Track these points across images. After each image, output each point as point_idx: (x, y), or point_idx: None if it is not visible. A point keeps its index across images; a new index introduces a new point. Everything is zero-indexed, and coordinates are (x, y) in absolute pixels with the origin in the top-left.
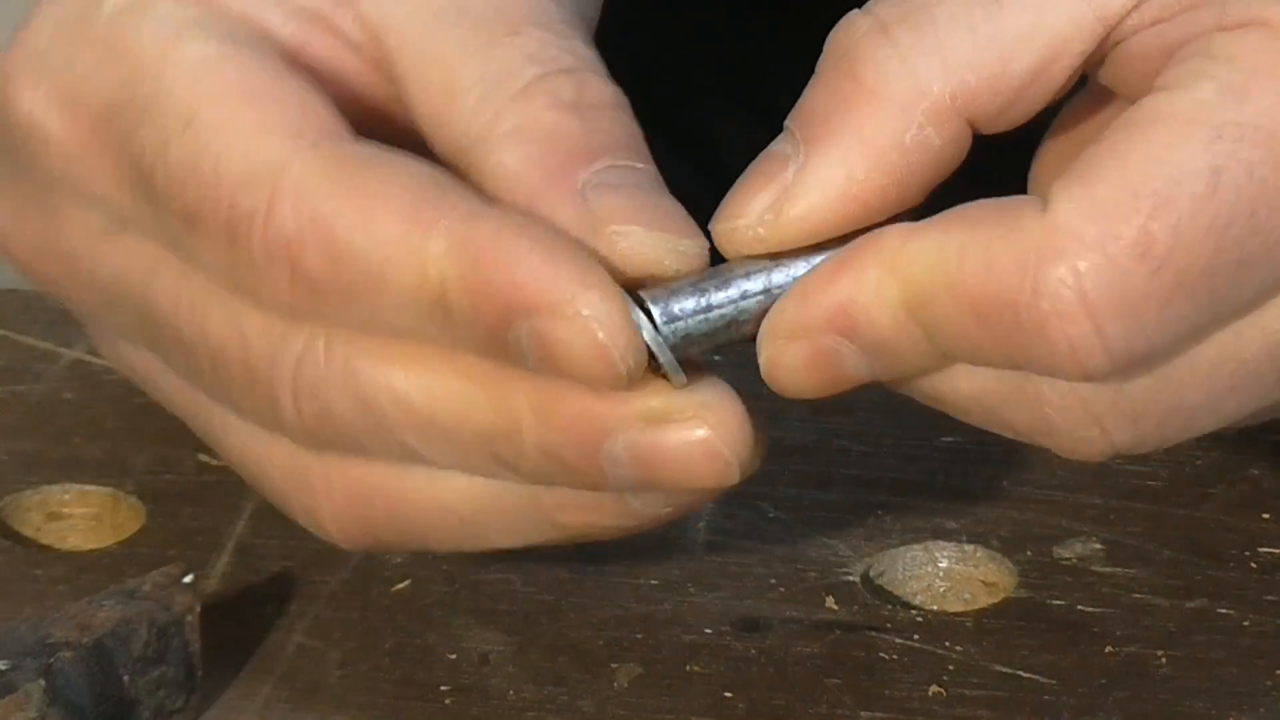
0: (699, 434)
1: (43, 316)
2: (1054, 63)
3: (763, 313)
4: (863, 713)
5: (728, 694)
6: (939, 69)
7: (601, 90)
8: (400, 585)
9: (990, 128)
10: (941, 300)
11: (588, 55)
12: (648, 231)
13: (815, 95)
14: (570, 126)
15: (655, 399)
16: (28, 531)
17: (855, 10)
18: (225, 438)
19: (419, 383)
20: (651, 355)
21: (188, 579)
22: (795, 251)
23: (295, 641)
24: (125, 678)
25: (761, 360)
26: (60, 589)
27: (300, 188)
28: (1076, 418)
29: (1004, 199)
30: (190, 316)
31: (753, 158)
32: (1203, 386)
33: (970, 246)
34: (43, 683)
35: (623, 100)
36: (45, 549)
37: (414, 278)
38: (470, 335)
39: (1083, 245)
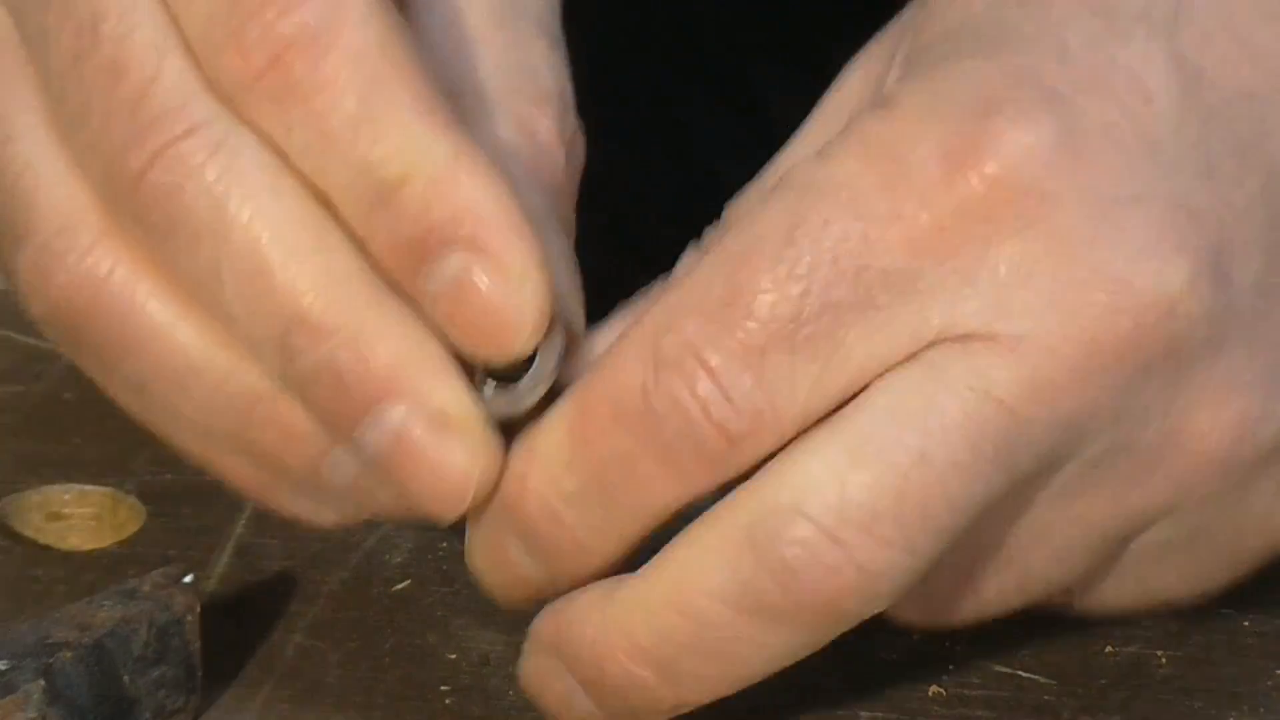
0: (460, 461)
1: None
2: None
3: None
4: (863, 713)
5: None
6: None
7: None
8: (400, 585)
9: None
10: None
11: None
12: None
13: None
14: None
15: (453, 403)
16: (28, 531)
17: None
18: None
19: None
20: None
21: (188, 579)
22: None
23: (295, 641)
24: (125, 678)
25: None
26: (60, 589)
27: None
28: None
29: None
30: None
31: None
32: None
33: (599, 371)
34: (43, 683)
35: None
36: (45, 549)
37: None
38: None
39: (685, 311)
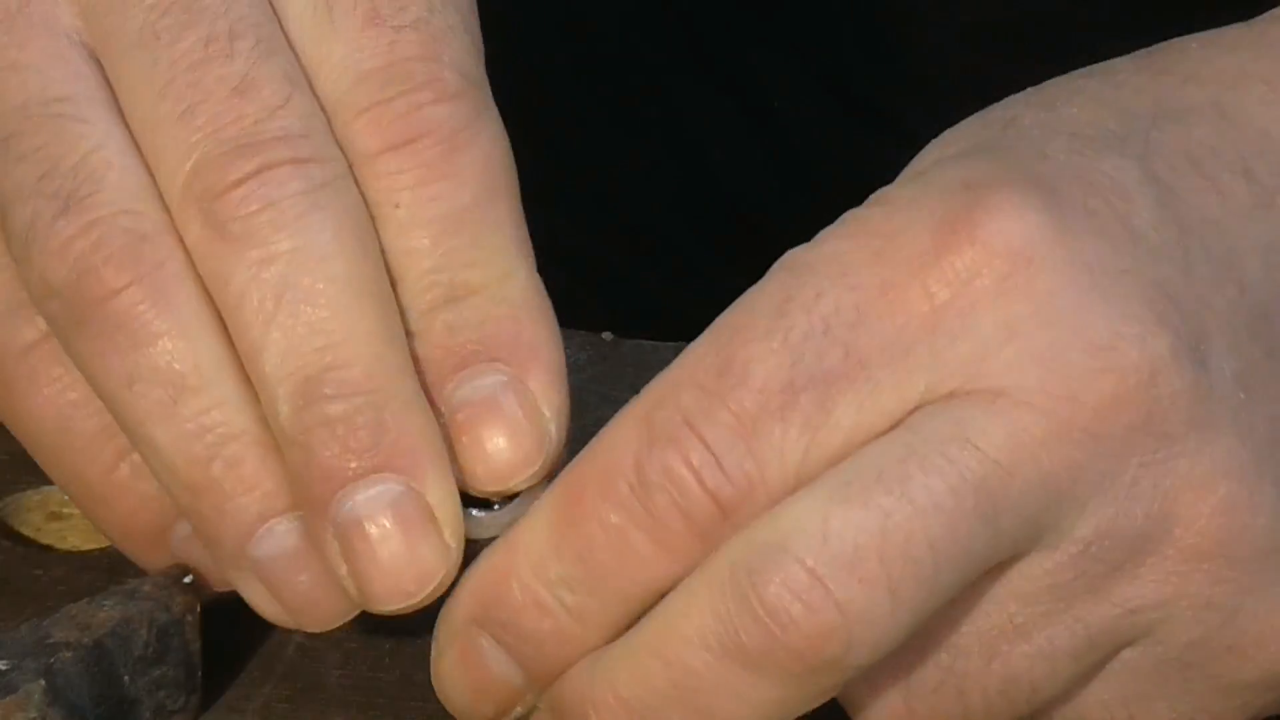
0: (431, 557)
1: None
2: None
3: None
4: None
5: None
6: None
7: None
8: None
9: None
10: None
11: None
12: None
13: None
14: None
15: (445, 500)
16: (28, 531)
17: None
18: None
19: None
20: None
21: (188, 579)
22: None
23: (295, 641)
24: (125, 678)
25: (432, 676)
26: (60, 589)
27: None
28: None
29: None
30: None
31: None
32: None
33: (587, 455)
34: (43, 683)
35: None
36: (45, 549)
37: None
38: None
39: (679, 386)
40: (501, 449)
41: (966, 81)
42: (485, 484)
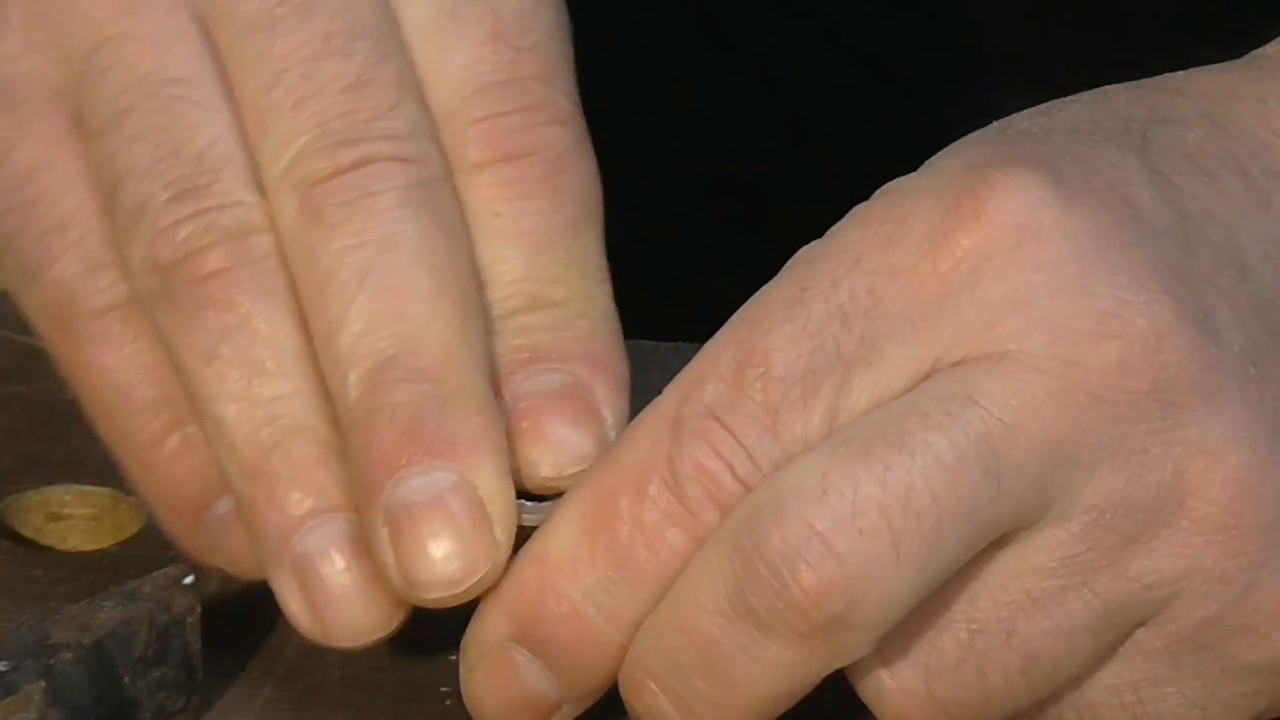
0: (480, 550)
1: None
2: None
3: None
4: (864, 713)
5: None
6: None
7: None
8: None
9: None
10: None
11: None
12: None
13: None
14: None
15: (499, 494)
16: (28, 531)
17: None
18: None
19: None
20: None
21: (188, 580)
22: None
23: (295, 641)
24: (125, 679)
25: (462, 687)
26: (60, 589)
27: None
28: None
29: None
30: None
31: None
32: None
33: (614, 456)
34: (43, 684)
35: None
36: (45, 549)
37: None
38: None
39: (703, 380)
40: (560, 438)
41: (975, 40)
42: (538, 469)
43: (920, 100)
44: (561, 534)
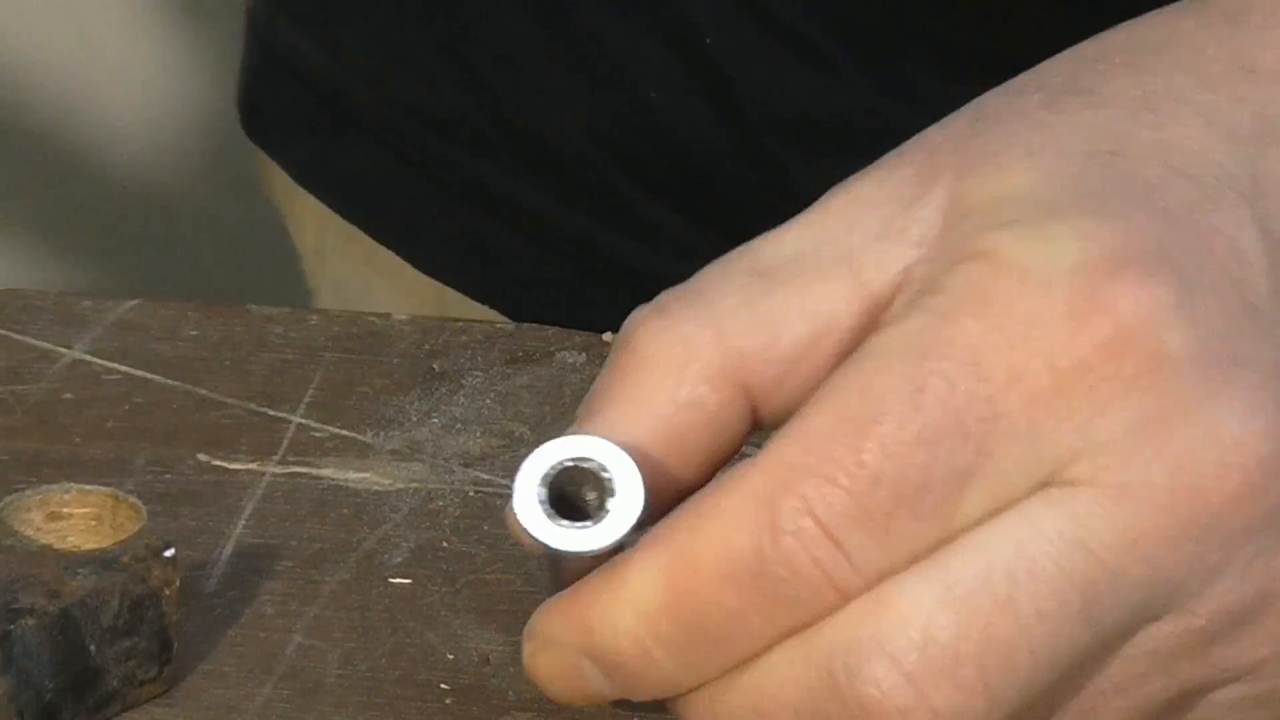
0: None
1: (43, 316)
2: (825, 337)
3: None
4: None
5: None
6: (711, 336)
7: None
8: (400, 584)
9: (767, 402)
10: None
11: None
12: None
13: (600, 376)
14: None
15: None
16: (28, 531)
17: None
18: None
19: None
20: None
21: (169, 553)
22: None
23: (295, 641)
24: (91, 647)
25: (524, 657)
26: None
27: None
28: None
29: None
30: None
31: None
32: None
33: (700, 523)
34: None
35: None
36: (45, 549)
37: None
38: None
39: (804, 473)
40: None
41: (897, 11)
42: None
43: (850, 81)
44: (642, 577)
